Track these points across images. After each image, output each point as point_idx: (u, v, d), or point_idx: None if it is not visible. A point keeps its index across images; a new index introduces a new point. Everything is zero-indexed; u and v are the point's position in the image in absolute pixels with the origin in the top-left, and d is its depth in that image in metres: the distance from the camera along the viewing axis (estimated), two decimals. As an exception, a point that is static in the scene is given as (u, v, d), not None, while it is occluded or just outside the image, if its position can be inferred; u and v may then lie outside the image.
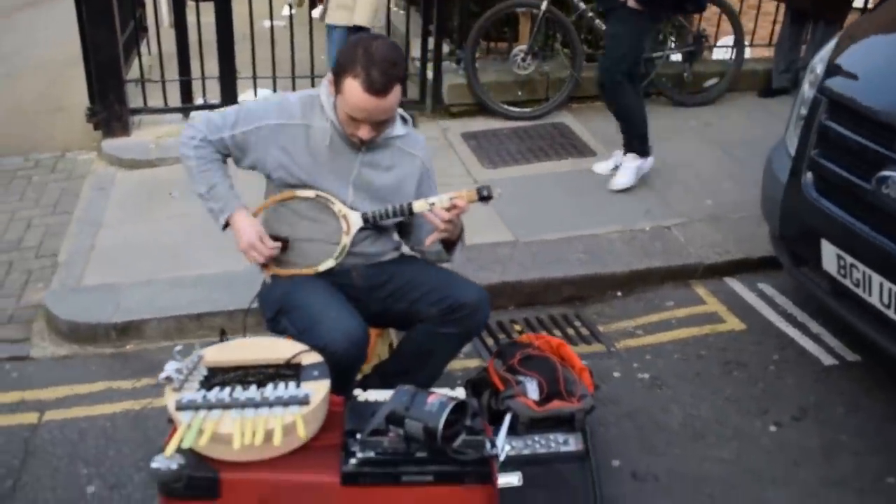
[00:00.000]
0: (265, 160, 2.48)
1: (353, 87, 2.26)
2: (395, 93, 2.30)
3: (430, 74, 5.54)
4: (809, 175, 3.14)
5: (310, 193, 2.48)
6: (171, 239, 3.98)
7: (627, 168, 4.58)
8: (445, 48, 5.70)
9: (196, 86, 5.24)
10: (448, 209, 2.37)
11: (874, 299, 2.84)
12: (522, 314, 3.69)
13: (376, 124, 2.36)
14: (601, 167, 4.80)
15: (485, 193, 2.34)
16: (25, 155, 5.05)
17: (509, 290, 3.75)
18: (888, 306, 2.79)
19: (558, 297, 3.80)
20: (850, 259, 2.92)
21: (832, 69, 3.19)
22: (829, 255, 3.02)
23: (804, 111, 3.24)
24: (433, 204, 2.38)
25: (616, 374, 3.29)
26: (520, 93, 5.59)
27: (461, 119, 5.49)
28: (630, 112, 4.58)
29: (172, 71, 5.21)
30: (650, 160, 4.66)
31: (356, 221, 2.48)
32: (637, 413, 3.06)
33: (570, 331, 3.57)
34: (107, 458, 2.81)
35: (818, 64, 3.32)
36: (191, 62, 5.16)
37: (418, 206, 2.41)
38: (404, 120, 2.59)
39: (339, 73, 2.30)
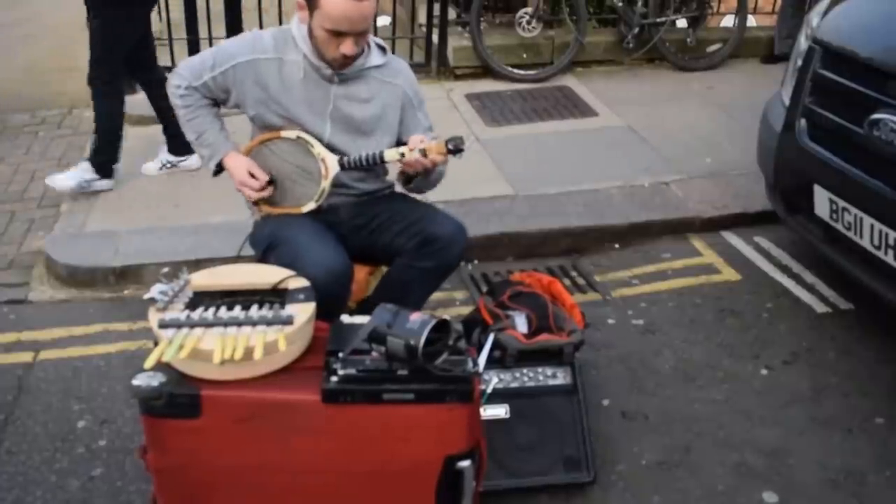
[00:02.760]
0: (244, 98, 2.49)
1: None
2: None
3: (435, 39, 5.55)
4: (803, 122, 3.16)
5: (292, 134, 2.49)
6: (173, 190, 4.02)
7: (76, 174, 3.92)
8: (452, 13, 5.70)
9: (203, 46, 5.24)
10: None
11: (865, 242, 2.85)
12: (521, 265, 3.69)
13: (358, 36, 2.34)
14: (148, 167, 4.23)
15: (451, 147, 2.31)
16: (32, 112, 5.09)
17: (507, 241, 3.77)
18: (879, 248, 2.79)
19: (556, 248, 3.81)
20: (841, 203, 2.93)
21: (827, 20, 3.20)
22: (822, 200, 3.03)
23: (799, 62, 3.25)
24: (403, 154, 2.37)
25: (610, 321, 3.30)
26: (524, 55, 5.59)
27: (466, 81, 5.50)
28: (102, 120, 3.94)
29: (181, 33, 5.23)
30: (106, 183, 3.98)
31: (334, 166, 2.48)
32: (629, 357, 3.08)
33: (567, 281, 3.58)
34: (99, 395, 2.85)
35: (814, 17, 3.32)
36: (199, 26, 5.18)
37: (389, 155, 2.40)
38: (382, 49, 2.57)
39: None
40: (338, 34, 2.32)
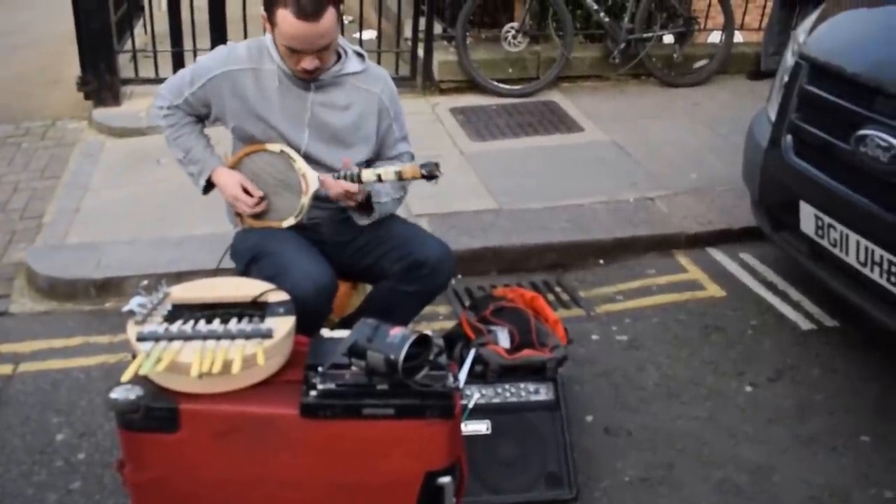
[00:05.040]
0: (223, 110, 2.48)
1: (285, 16, 2.23)
2: (329, 16, 2.25)
3: (420, 53, 5.55)
4: (789, 138, 3.16)
5: (276, 148, 2.47)
6: (156, 202, 4.00)
7: None
8: (438, 28, 5.71)
9: (188, 58, 5.23)
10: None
11: (851, 258, 2.84)
12: (505, 280, 3.67)
13: (318, 53, 2.32)
14: None
15: (425, 172, 2.29)
16: (16, 123, 5.07)
17: (491, 256, 3.75)
18: (865, 265, 2.79)
19: (540, 263, 3.80)
20: (827, 219, 2.92)
21: (814, 36, 3.21)
22: (808, 216, 3.03)
23: (786, 78, 3.26)
24: (379, 175, 2.35)
25: (594, 337, 3.28)
26: (510, 70, 5.60)
27: (451, 95, 5.51)
28: None
29: (165, 45, 5.22)
30: None
31: (314, 182, 2.45)
32: (613, 372, 3.06)
33: (551, 296, 3.56)
34: (78, 408, 2.81)
35: (801, 33, 3.34)
36: (183, 38, 5.17)
37: (366, 176, 2.36)
38: (361, 56, 2.54)
39: (269, 7, 2.28)
40: (295, 51, 2.31)
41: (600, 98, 5.55)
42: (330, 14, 2.26)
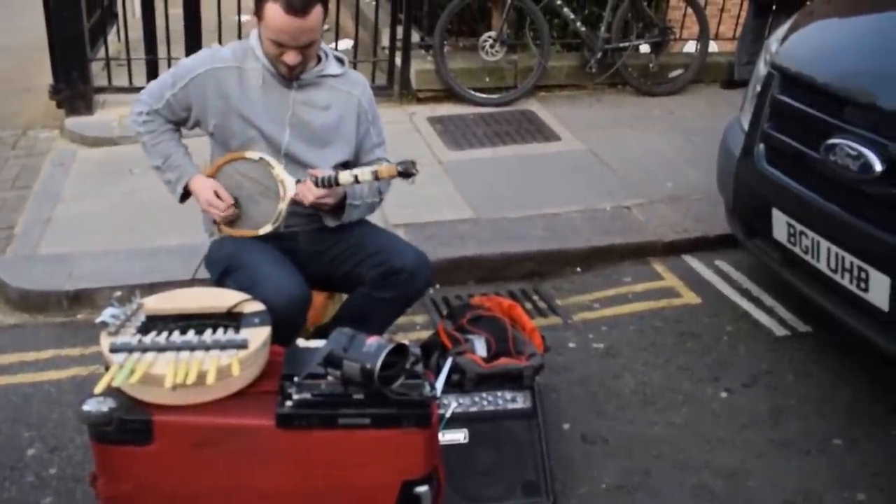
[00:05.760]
0: (205, 110, 2.48)
1: (274, 10, 2.28)
2: (316, 13, 2.31)
3: (398, 62, 5.56)
4: (762, 147, 3.19)
5: (255, 155, 2.47)
6: (129, 213, 3.96)
7: None
8: (416, 36, 5.72)
9: (163, 66, 5.19)
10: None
11: (822, 265, 2.87)
12: (482, 289, 3.68)
13: (302, 49, 2.36)
14: None
15: (401, 170, 2.31)
16: (-14, 133, 5.01)
17: (468, 265, 3.76)
18: (836, 271, 2.82)
19: (518, 272, 3.80)
20: (799, 227, 2.96)
21: (785, 47, 3.25)
22: (780, 224, 3.06)
23: (758, 87, 3.29)
24: (356, 176, 2.36)
25: (571, 345, 3.29)
26: (487, 79, 5.62)
27: (428, 104, 5.51)
28: None
29: (139, 53, 5.18)
30: None
31: (291, 187, 2.45)
32: (589, 380, 3.07)
33: (528, 305, 3.57)
34: (49, 422, 2.78)
35: (773, 42, 3.38)
36: (158, 46, 5.14)
37: (343, 178, 2.37)
38: (340, 61, 2.59)
39: (259, 1, 2.33)
40: (280, 45, 2.34)
41: (577, 107, 5.59)
42: (317, 11, 2.32)
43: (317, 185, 2.42)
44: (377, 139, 2.65)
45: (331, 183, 2.39)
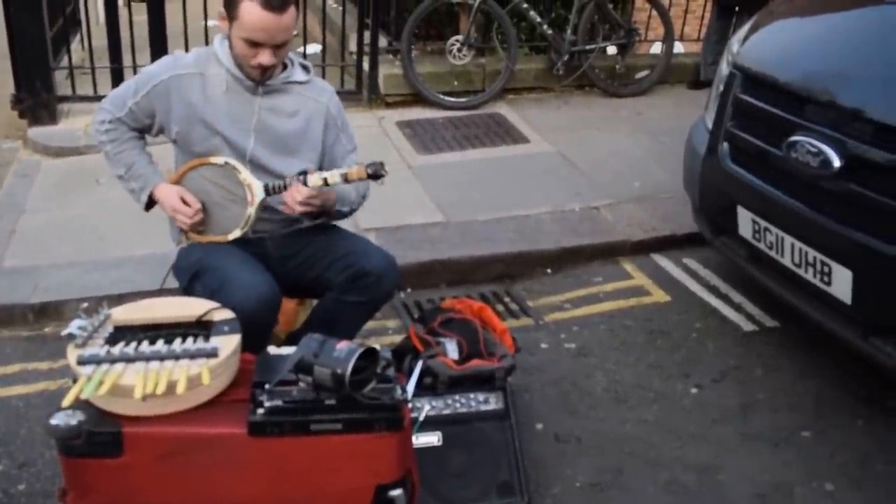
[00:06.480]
0: (168, 116, 2.47)
1: (251, 7, 2.27)
2: (291, 12, 2.32)
3: (366, 66, 5.56)
4: (726, 146, 3.23)
5: (220, 160, 2.46)
6: (95, 223, 3.92)
7: None
8: (383, 41, 5.72)
9: (128, 74, 5.15)
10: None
11: (787, 260, 2.92)
12: (454, 292, 3.68)
13: (276, 48, 2.35)
14: None
15: (371, 171, 2.31)
16: (-51, 143, 4.94)
17: (439, 268, 3.76)
18: (800, 266, 2.86)
19: (488, 274, 3.82)
20: (763, 223, 3.00)
21: (746, 47, 3.30)
22: (745, 220, 3.10)
23: (721, 87, 3.34)
24: (325, 179, 2.35)
25: (543, 346, 3.31)
26: (456, 83, 5.64)
27: (397, 108, 5.51)
28: None
29: (104, 61, 5.14)
30: None
31: (259, 192, 2.45)
32: (562, 380, 3.09)
33: (500, 306, 3.59)
34: (17, 437, 2.73)
35: (735, 43, 3.43)
36: (122, 54, 5.10)
37: (312, 181, 2.37)
38: (305, 69, 2.58)
39: (231, 1, 2.32)
40: (255, 44, 2.33)
41: (545, 109, 5.62)
42: (292, 10, 2.33)
43: (285, 187, 2.41)
44: (349, 145, 2.64)
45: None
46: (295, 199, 2.37)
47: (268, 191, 2.45)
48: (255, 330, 2.23)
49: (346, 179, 2.34)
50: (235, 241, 2.50)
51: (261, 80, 2.43)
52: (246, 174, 2.45)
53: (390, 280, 2.53)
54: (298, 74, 2.53)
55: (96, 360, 1.94)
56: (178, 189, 2.50)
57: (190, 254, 2.56)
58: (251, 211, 2.46)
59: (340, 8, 5.99)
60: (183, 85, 2.44)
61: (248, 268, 2.41)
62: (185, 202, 2.48)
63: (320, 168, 2.59)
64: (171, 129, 2.49)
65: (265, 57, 2.35)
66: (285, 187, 2.41)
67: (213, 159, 2.47)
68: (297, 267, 2.58)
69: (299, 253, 2.58)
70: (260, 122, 2.48)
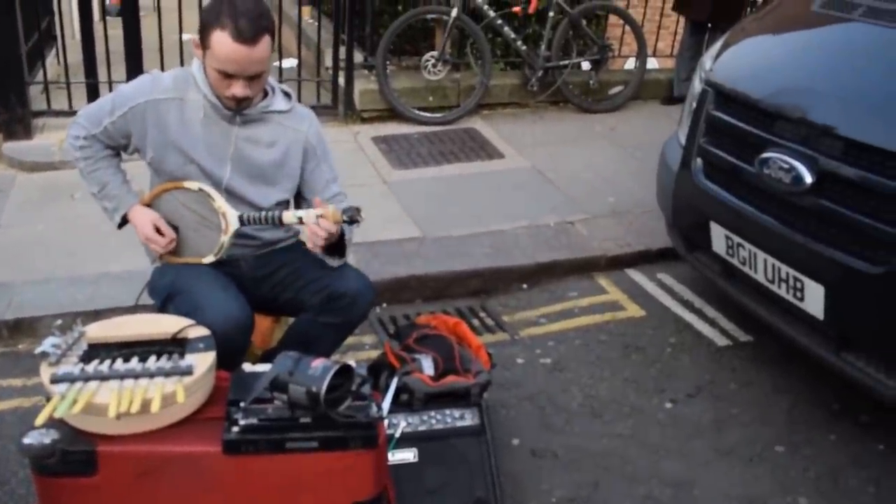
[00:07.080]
0: (143, 140, 2.43)
1: (222, 38, 2.21)
2: (265, 44, 2.26)
3: (341, 82, 5.57)
4: (699, 162, 3.27)
5: (194, 185, 2.43)
6: (70, 239, 3.89)
7: None
8: (359, 56, 5.74)
9: (103, 89, 5.13)
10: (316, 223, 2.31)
11: (759, 276, 2.96)
12: (430, 308, 3.69)
13: (249, 80, 2.30)
14: None
15: (346, 217, 2.28)
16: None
17: (415, 284, 3.77)
18: (772, 281, 2.90)
19: (464, 290, 3.83)
20: (736, 239, 3.04)
21: (719, 63, 3.34)
22: (718, 236, 3.14)
23: (694, 104, 3.38)
24: (300, 218, 2.33)
25: (519, 361, 3.32)
26: (431, 98, 5.66)
27: (373, 124, 5.53)
28: None
29: (79, 76, 5.11)
30: None
31: (234, 222, 2.41)
32: (538, 395, 3.10)
33: (476, 322, 3.60)
34: (-9, 455, 2.71)
35: (707, 60, 3.47)
36: (98, 69, 5.07)
37: (287, 217, 2.35)
38: (287, 96, 2.53)
39: (205, 29, 2.26)
40: (228, 76, 2.28)
41: (520, 125, 5.66)
42: (266, 42, 2.26)
43: (259, 220, 2.38)
44: (330, 174, 2.59)
45: (273, 221, 2.36)
46: (316, 244, 2.32)
47: (242, 221, 2.41)
48: (228, 353, 2.22)
49: (319, 221, 2.30)
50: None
51: (237, 109, 2.38)
52: (220, 202, 2.41)
53: (365, 301, 2.51)
54: (279, 103, 2.47)
55: (70, 379, 1.93)
56: (152, 217, 2.46)
57: (164, 274, 2.53)
58: (224, 239, 2.43)
59: (316, 23, 6.00)
60: (161, 109, 2.39)
61: (222, 290, 2.38)
62: (159, 231, 2.44)
63: (298, 192, 2.59)
64: (146, 152, 2.45)
65: (238, 89, 2.29)
66: (261, 220, 2.38)
67: (188, 184, 2.43)
68: (273, 288, 2.57)
69: (274, 273, 2.57)
70: (237, 152, 2.44)
